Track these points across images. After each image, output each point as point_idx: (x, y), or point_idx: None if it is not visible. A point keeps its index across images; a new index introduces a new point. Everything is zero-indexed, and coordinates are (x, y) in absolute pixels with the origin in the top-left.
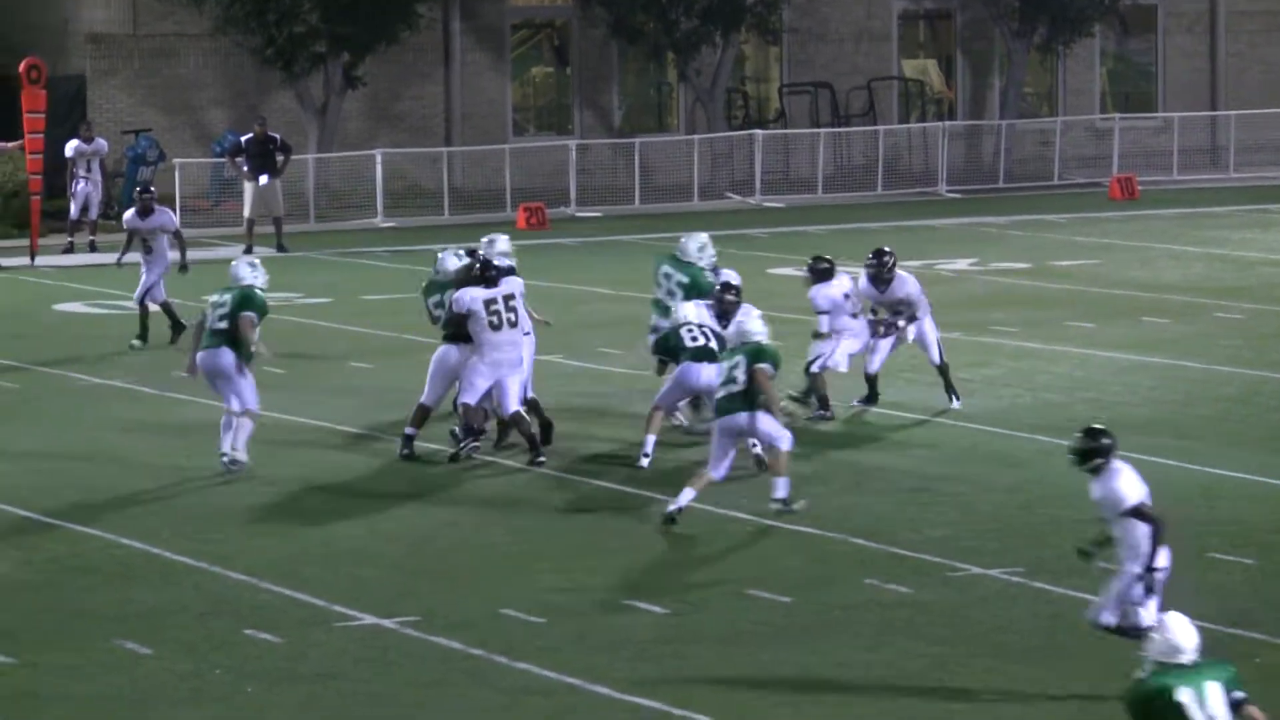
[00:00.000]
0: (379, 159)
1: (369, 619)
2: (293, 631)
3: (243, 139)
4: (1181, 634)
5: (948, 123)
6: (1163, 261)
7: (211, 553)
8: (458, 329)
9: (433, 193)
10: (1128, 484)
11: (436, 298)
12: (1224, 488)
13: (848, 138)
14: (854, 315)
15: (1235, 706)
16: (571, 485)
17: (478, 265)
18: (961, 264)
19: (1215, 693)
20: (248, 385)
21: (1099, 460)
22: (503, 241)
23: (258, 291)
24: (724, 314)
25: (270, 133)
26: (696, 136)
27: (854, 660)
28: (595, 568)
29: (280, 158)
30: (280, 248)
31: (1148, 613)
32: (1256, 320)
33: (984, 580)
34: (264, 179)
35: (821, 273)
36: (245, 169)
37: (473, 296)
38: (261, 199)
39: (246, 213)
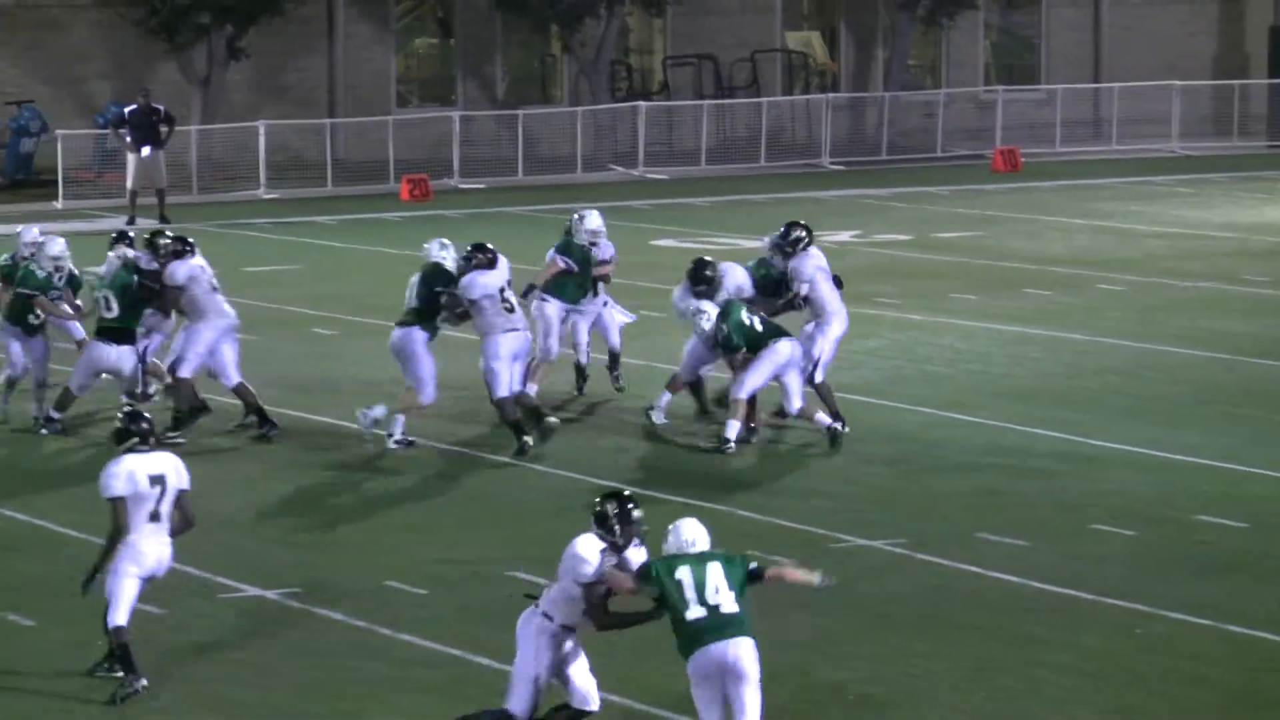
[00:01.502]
0: (262, 130)
1: (252, 590)
2: (176, 603)
3: (126, 110)
4: (689, 532)
5: (831, 95)
6: (1046, 234)
7: (94, 524)
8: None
9: (316, 164)
10: None
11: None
12: (1107, 460)
13: (731, 110)
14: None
15: (755, 576)
16: (454, 457)
17: (476, 251)
18: (844, 236)
19: (715, 570)
20: (428, 367)
21: None
22: (593, 218)
23: (447, 267)
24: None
25: (154, 104)
26: (580, 108)
27: None
28: (479, 539)
29: (164, 129)
30: (163, 219)
31: None
32: (1140, 293)
33: (867, 551)
34: (147, 150)
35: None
36: (129, 140)
37: (483, 284)
38: (145, 170)
39: (130, 184)
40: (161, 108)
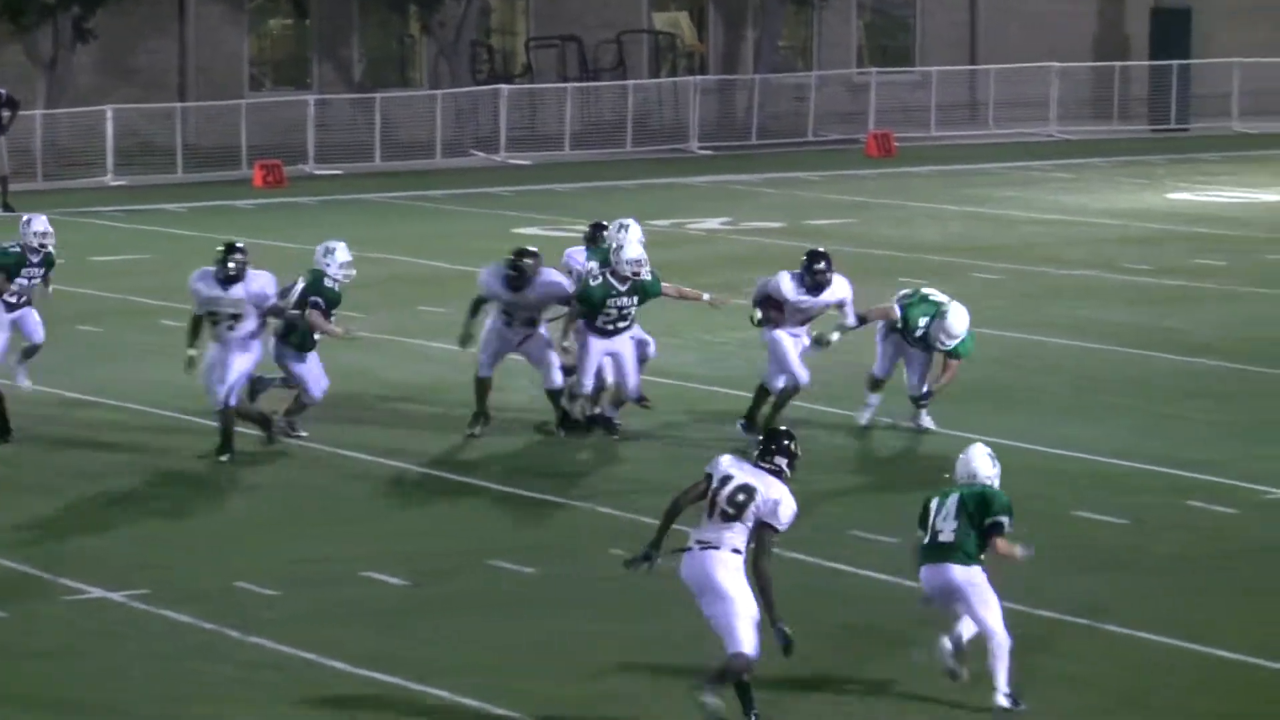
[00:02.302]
0: (110, 115)
1: (97, 592)
2: (18, 606)
3: None
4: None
5: (699, 77)
6: (920, 220)
7: None
8: None
9: (166, 150)
10: None
11: None
12: None
13: (596, 93)
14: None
15: (988, 531)
16: (308, 455)
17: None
18: (713, 223)
19: (952, 501)
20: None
21: None
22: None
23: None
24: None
25: None
26: (440, 92)
27: (600, 631)
28: (332, 538)
29: (6, 114)
30: (5, 207)
31: None
32: (1017, 280)
33: None
34: None
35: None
36: None
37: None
38: None
39: None
40: (4, 91)
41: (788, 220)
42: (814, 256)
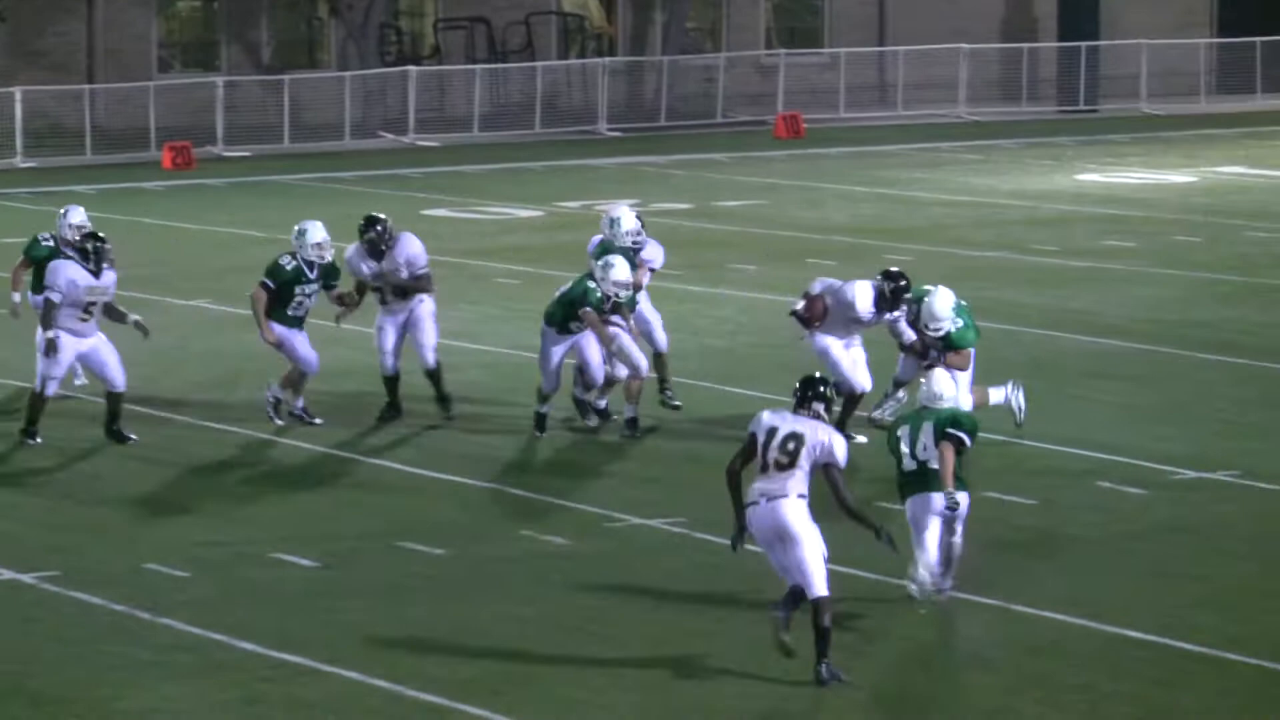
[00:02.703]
0: (18, 97)
1: (7, 574)
2: None
3: None
4: (938, 385)
5: (608, 59)
6: (830, 202)
7: None
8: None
9: (75, 132)
10: None
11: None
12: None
13: (505, 74)
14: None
15: (943, 437)
16: (217, 436)
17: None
18: (622, 205)
19: (928, 429)
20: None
21: None
22: (628, 218)
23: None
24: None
25: None
26: (348, 73)
27: (511, 614)
28: (241, 520)
29: None
30: None
31: None
32: (927, 262)
33: (644, 531)
34: None
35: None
36: None
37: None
38: None
39: None
40: None
41: (696, 202)
42: (896, 277)
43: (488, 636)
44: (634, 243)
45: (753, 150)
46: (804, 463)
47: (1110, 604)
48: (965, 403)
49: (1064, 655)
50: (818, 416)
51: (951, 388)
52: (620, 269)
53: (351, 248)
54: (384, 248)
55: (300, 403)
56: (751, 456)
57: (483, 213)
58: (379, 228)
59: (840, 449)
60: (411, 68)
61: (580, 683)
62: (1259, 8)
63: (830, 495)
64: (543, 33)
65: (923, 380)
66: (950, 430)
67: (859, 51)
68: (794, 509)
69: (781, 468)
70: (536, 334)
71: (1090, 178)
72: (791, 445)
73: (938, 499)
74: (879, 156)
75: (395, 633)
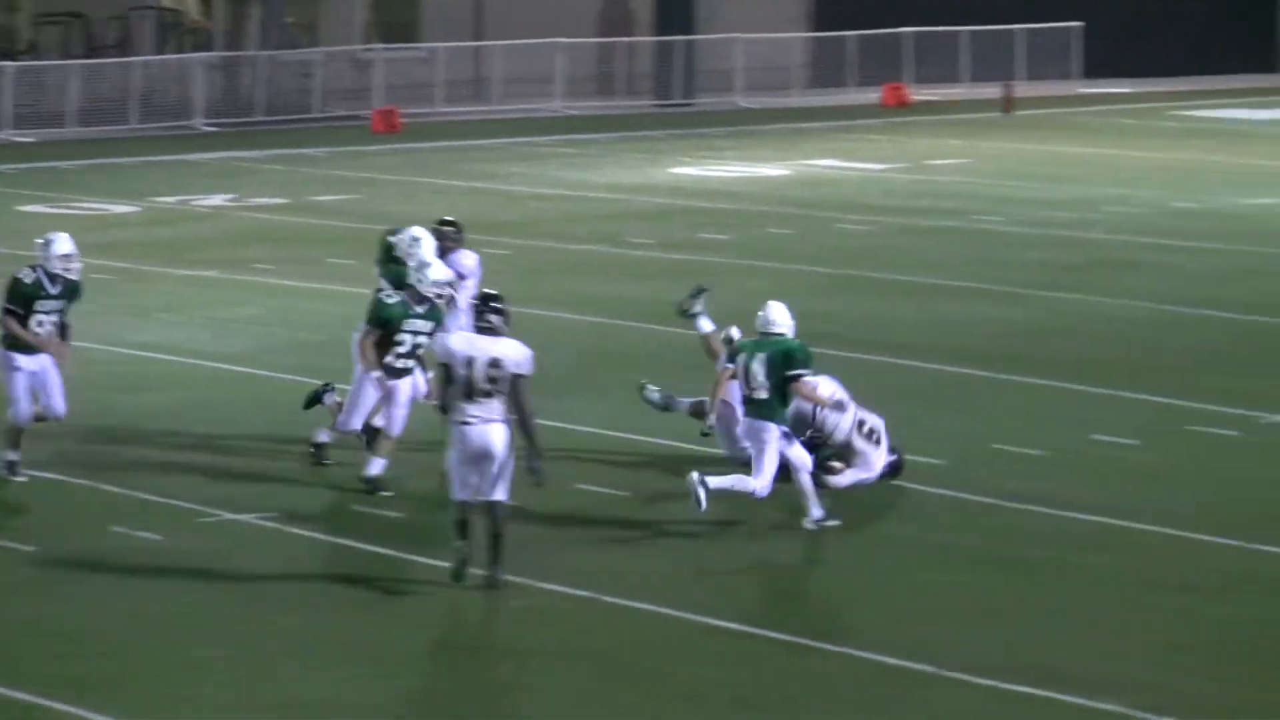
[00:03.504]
0: None
1: None
2: None
3: None
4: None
5: (204, 54)
6: (427, 196)
7: None
8: None
9: None
10: None
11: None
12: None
13: (100, 69)
14: None
15: (788, 381)
16: None
17: None
18: (218, 200)
19: (762, 360)
20: None
21: None
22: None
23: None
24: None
25: None
26: None
27: (102, 610)
28: None
29: None
30: None
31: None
32: (523, 256)
33: (237, 526)
34: None
35: None
36: None
37: None
38: None
39: None
40: None
41: (293, 197)
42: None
43: (78, 633)
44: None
45: (350, 145)
46: (505, 386)
47: (704, 595)
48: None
49: (654, 645)
50: (497, 329)
51: (786, 318)
52: (437, 268)
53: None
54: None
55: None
56: (451, 383)
57: (79, 209)
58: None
59: (527, 360)
60: (7, 63)
61: (171, 678)
62: (853, 2)
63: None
64: (140, 27)
65: (760, 311)
66: (790, 374)
67: (456, 46)
68: (502, 433)
69: (488, 395)
70: (132, 329)
71: (685, 171)
72: (494, 372)
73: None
74: (476, 150)
75: None
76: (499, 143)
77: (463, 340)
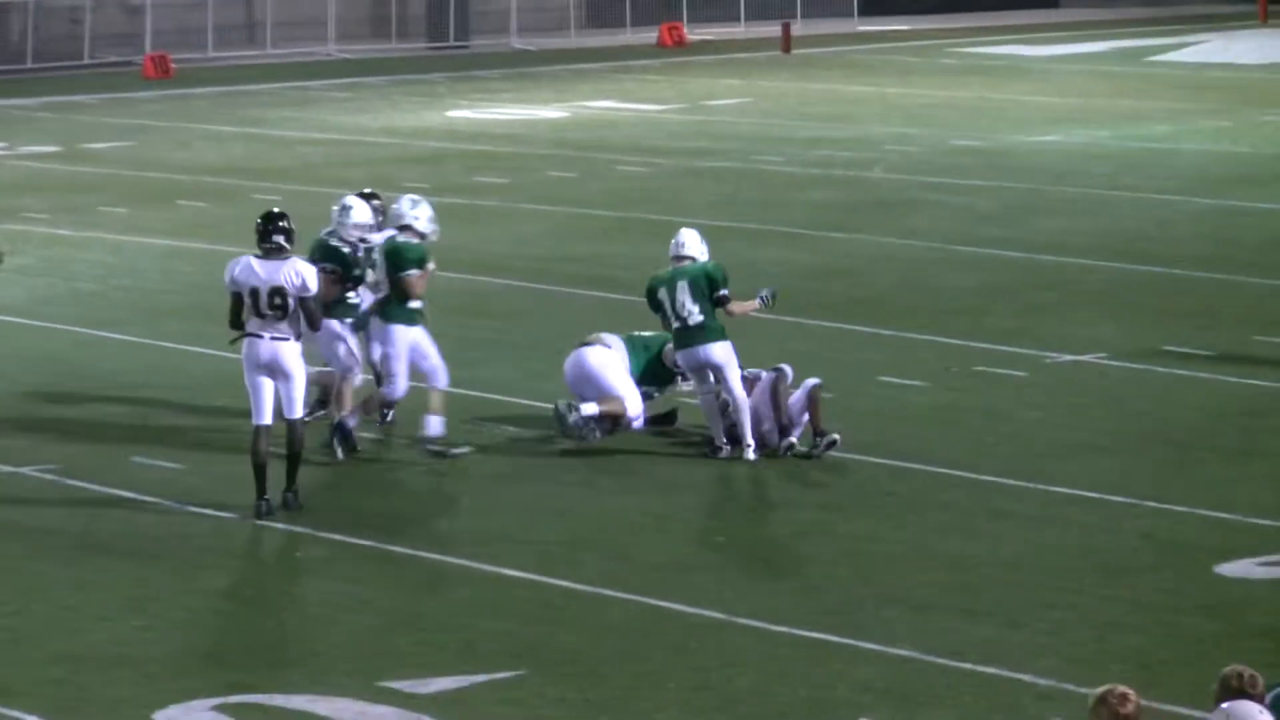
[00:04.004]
0: None
1: None
2: None
3: None
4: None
5: None
6: (200, 143)
7: None
8: None
9: None
10: None
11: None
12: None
13: None
14: None
15: (718, 303)
16: None
17: None
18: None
19: (685, 286)
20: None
21: None
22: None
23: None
24: None
25: None
26: None
27: None
28: None
29: None
30: None
31: None
32: (298, 202)
33: (15, 479)
34: None
35: None
36: None
37: None
38: None
39: None
40: None
41: (64, 144)
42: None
43: None
44: (360, 239)
45: (122, 92)
46: (294, 306)
47: (491, 542)
48: None
49: (437, 593)
50: (281, 249)
51: (698, 243)
52: (359, 210)
53: None
54: None
55: None
56: (240, 310)
57: None
58: None
59: (311, 279)
60: None
61: None
62: None
63: None
64: None
65: (673, 239)
66: (719, 294)
67: None
68: (294, 351)
69: (277, 317)
70: None
71: (461, 114)
72: (279, 300)
73: (717, 349)
74: (249, 96)
75: None
76: (272, 87)
77: (245, 269)
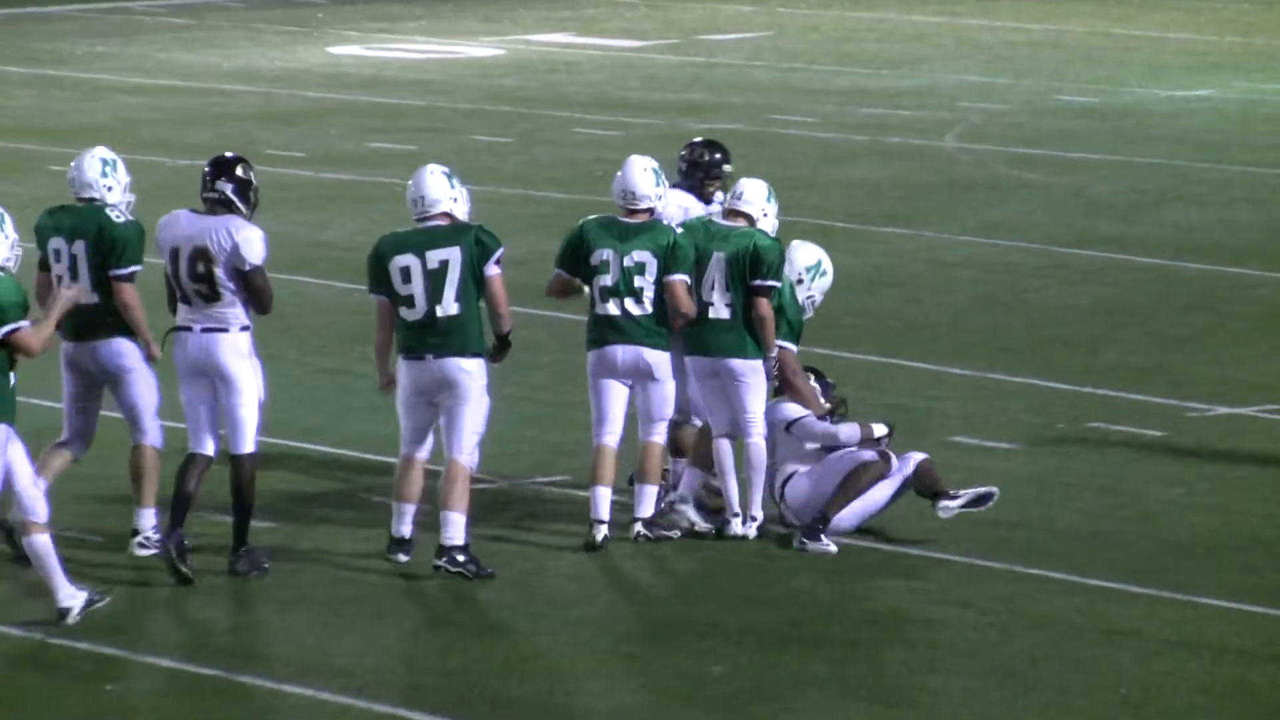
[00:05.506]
0: None
1: None
2: None
3: None
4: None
5: None
6: None
7: None
8: None
9: None
10: None
11: None
12: None
13: None
14: None
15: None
16: None
17: None
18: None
19: (718, 264)
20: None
21: None
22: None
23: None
24: None
25: None
26: None
27: None
28: None
29: None
30: None
31: None
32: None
33: None
34: None
35: None
36: None
37: None
38: None
39: None
40: None
41: None
42: None
43: None
44: None
45: None
46: (226, 281)
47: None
48: None
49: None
50: (227, 202)
51: (764, 200)
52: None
53: None
54: None
55: None
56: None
57: None
58: None
59: (254, 249)
60: None
61: None
62: None
63: None
64: None
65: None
66: (759, 284)
67: None
68: (232, 345)
69: (206, 298)
70: None
71: (350, 51)
72: (201, 268)
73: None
74: (42, 22)
75: None
76: (78, 10)
77: (171, 223)
